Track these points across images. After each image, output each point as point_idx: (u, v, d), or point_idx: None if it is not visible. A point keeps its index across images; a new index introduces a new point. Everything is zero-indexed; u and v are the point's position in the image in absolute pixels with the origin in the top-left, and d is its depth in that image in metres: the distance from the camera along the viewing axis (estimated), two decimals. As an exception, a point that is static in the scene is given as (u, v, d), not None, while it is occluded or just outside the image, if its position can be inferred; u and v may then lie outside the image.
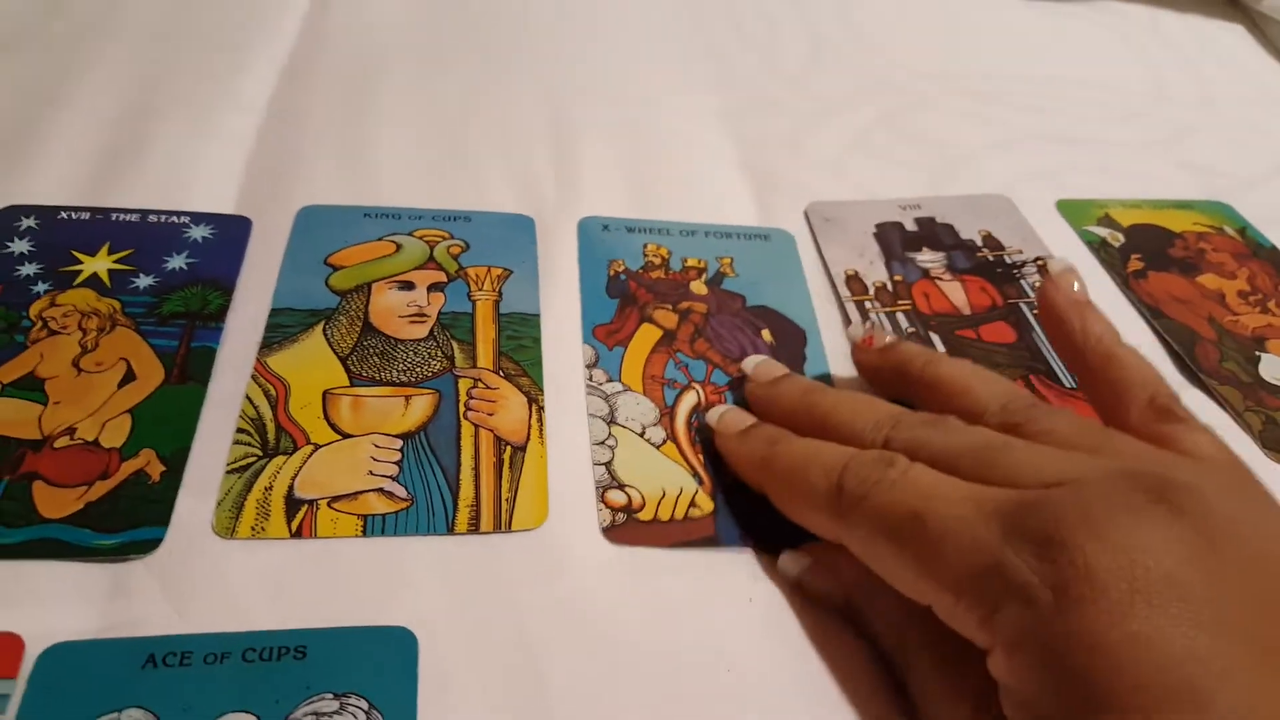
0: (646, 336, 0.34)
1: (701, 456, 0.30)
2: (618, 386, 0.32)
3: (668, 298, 0.35)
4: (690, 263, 0.37)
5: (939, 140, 0.46)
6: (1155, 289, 0.39)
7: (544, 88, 0.46)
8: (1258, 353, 0.36)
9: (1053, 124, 0.49)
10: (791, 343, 0.35)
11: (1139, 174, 0.46)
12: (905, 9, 0.58)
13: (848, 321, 0.36)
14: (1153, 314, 0.38)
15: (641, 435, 0.30)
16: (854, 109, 0.48)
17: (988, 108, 0.49)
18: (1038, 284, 0.37)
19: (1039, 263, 0.39)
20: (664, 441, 0.30)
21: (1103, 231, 0.42)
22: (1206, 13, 0.62)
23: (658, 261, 0.37)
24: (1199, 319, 0.38)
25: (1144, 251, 0.41)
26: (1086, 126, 0.49)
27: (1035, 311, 0.36)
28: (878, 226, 0.40)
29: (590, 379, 0.32)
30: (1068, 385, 0.33)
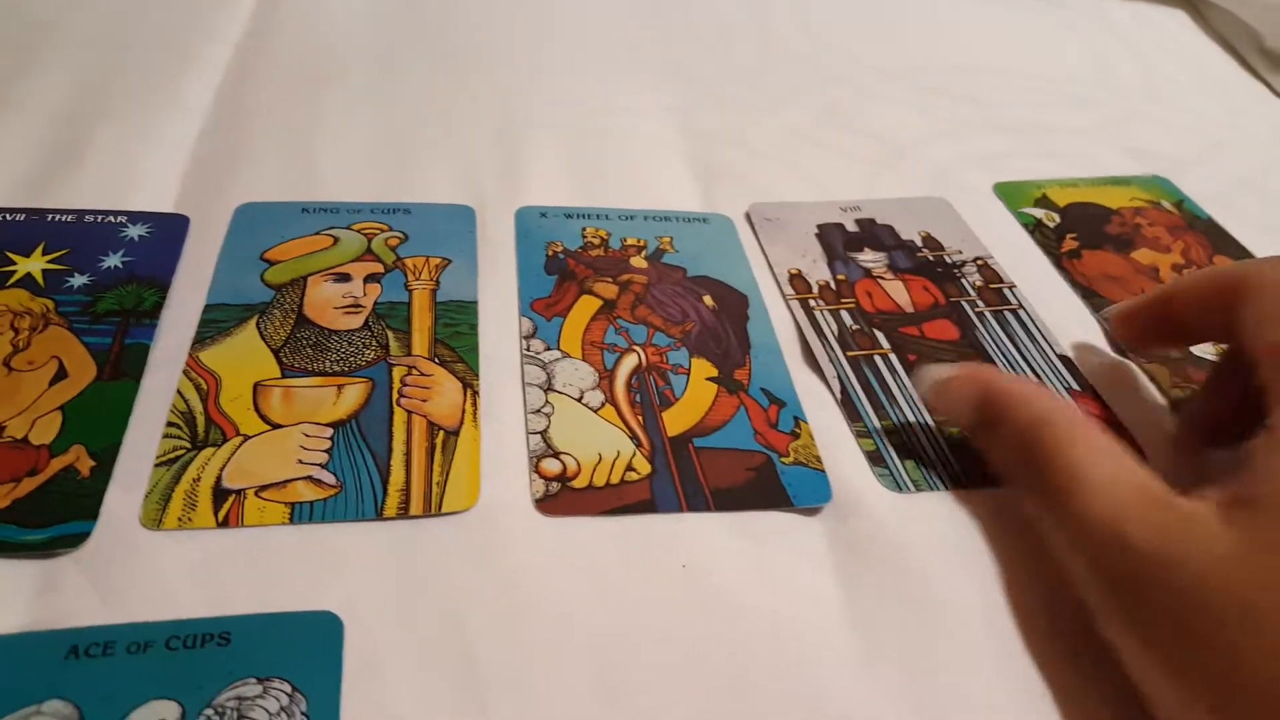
0: (586, 306, 0.34)
1: (640, 418, 0.30)
2: (556, 354, 0.32)
3: (607, 272, 0.36)
4: (630, 241, 0.37)
5: (880, 132, 0.47)
6: (1089, 268, 0.39)
7: (493, 83, 0.47)
8: None
9: (995, 112, 0.50)
10: (734, 307, 0.35)
11: (1080, 158, 0.47)
12: (855, 5, 0.59)
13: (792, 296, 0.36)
14: (1085, 294, 0.38)
15: (579, 400, 0.30)
16: (799, 102, 0.48)
17: (931, 99, 0.50)
18: (978, 283, 0.38)
19: (978, 262, 0.39)
20: (602, 404, 0.30)
21: (1039, 213, 0.42)
22: (1150, -2, 0.64)
23: (596, 242, 0.37)
24: (1132, 296, 0.38)
25: (1080, 230, 0.42)
26: (1028, 113, 0.50)
27: (976, 310, 0.37)
28: (819, 227, 0.40)
29: (528, 349, 0.32)
30: None
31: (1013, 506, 0.28)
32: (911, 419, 0.32)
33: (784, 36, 0.54)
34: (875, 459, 0.30)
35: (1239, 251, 0.41)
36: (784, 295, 0.36)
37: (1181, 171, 0.46)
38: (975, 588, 0.27)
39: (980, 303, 0.37)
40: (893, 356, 0.34)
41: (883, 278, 0.38)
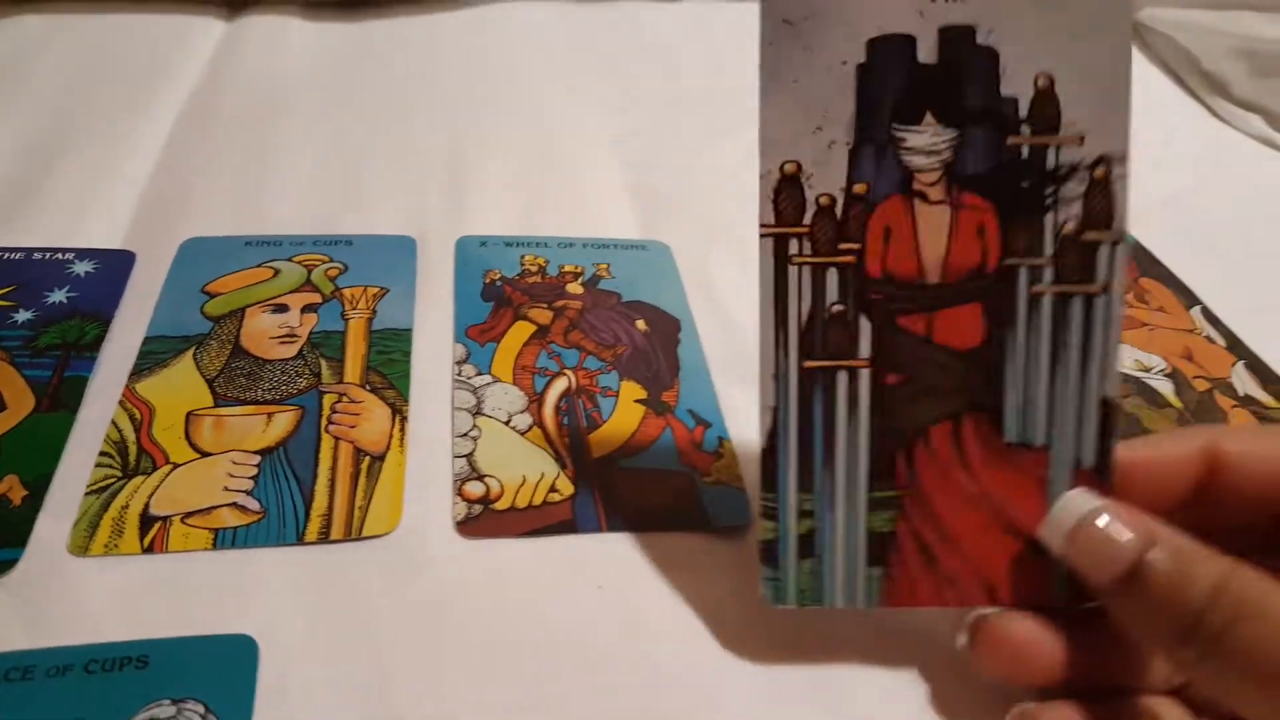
0: (520, 332, 0.35)
1: (567, 440, 0.31)
2: (487, 379, 0.33)
3: (543, 298, 0.37)
4: (567, 269, 0.38)
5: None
6: None
7: (438, 119, 0.48)
8: None
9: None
10: (666, 330, 0.36)
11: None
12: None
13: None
14: None
15: (507, 423, 0.31)
16: (740, 133, 0.49)
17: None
18: (1072, 225, 0.23)
19: (1099, 165, 0.22)
20: (530, 428, 0.31)
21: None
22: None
23: (534, 269, 0.38)
24: None
25: None
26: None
27: (1035, 286, 0.24)
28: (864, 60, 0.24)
29: (459, 374, 0.33)
30: (1009, 439, 0.24)
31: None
32: (841, 497, 0.23)
33: (728, 66, 0.56)
34: (767, 554, 0.24)
35: (1163, 272, 0.42)
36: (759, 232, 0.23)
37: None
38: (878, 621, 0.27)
39: (1050, 272, 0.22)
40: (865, 375, 0.23)
41: (927, 193, 0.22)
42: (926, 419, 0.23)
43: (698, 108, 0.51)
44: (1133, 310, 0.39)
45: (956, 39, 0.21)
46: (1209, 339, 0.38)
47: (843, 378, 0.23)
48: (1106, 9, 0.21)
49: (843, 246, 0.22)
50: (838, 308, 0.23)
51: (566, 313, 0.36)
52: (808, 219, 0.22)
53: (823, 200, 0.22)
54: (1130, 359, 0.37)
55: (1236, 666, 0.19)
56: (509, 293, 0.37)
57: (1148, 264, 0.42)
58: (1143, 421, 0.34)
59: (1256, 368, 0.37)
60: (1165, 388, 0.36)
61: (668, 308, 0.37)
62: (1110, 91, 0.21)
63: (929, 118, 0.22)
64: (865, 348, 0.23)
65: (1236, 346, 0.38)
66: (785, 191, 0.22)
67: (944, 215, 0.22)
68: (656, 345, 0.35)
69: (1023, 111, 0.22)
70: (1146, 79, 0.60)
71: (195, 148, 0.44)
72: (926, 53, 0.22)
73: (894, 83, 0.22)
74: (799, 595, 0.24)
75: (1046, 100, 0.22)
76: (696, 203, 0.44)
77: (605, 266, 0.39)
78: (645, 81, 0.54)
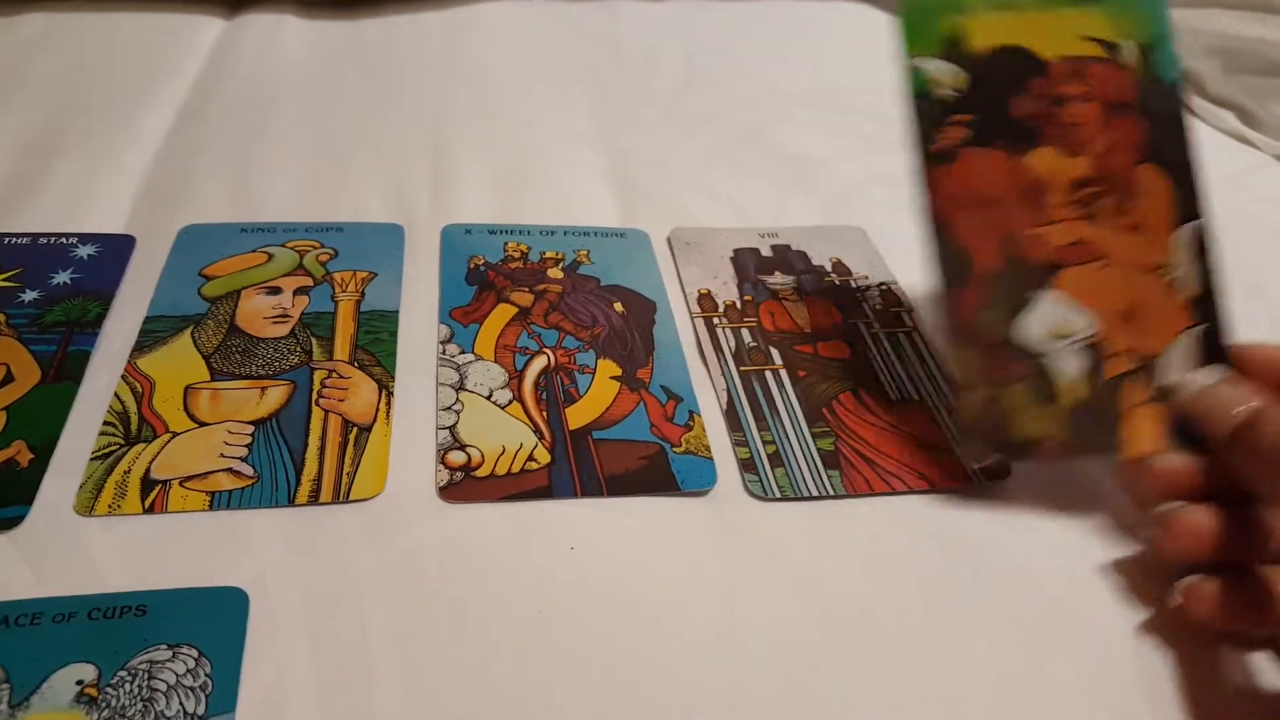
0: (502, 313, 0.37)
1: (545, 413, 0.33)
2: (470, 357, 0.35)
3: (524, 282, 0.39)
4: (548, 254, 0.40)
5: (794, 152, 0.50)
6: (955, 184, 0.30)
7: (427, 112, 0.50)
8: (1035, 292, 0.30)
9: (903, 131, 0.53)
10: (642, 312, 0.38)
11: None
12: (776, 32, 0.62)
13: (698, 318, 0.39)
14: (935, 232, 0.30)
15: (488, 398, 0.33)
16: (718, 125, 0.51)
17: (842, 120, 0.53)
18: (878, 306, 0.39)
19: (882, 287, 0.41)
20: (510, 402, 0.33)
21: (941, 70, 0.30)
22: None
23: (517, 255, 0.40)
24: (988, 240, 0.30)
25: (980, 108, 0.30)
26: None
27: (871, 331, 0.38)
28: (735, 251, 0.42)
29: (443, 353, 0.35)
30: (892, 398, 0.35)
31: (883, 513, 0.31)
32: (790, 432, 0.33)
33: (704, 63, 0.58)
34: (748, 466, 0.32)
35: (1178, 158, 0.30)
36: (690, 313, 0.39)
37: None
38: (835, 574, 0.29)
39: (876, 324, 0.39)
40: (783, 373, 0.36)
41: (788, 299, 0.40)
42: (834, 391, 0.36)
43: (674, 103, 0.53)
44: (1095, 232, 0.30)
45: (783, 248, 0.43)
46: (1172, 283, 0.30)
47: (769, 374, 0.36)
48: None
49: (746, 320, 0.39)
50: (752, 344, 0.37)
51: (547, 295, 0.38)
52: (721, 309, 0.39)
53: (727, 303, 0.39)
54: (1052, 319, 0.30)
55: None
56: (492, 277, 0.39)
57: (1164, 136, 0.30)
58: (1010, 429, 0.29)
59: (1210, 340, 0.30)
60: (1072, 366, 0.30)
61: (645, 291, 0.39)
62: (876, 261, 0.43)
63: (778, 272, 0.41)
64: (778, 359, 0.37)
65: (1203, 302, 0.30)
66: (703, 299, 0.40)
67: (802, 305, 0.40)
68: (633, 326, 0.37)
69: (829, 269, 0.42)
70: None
71: (194, 139, 0.46)
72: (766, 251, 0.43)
73: (752, 260, 0.42)
74: (780, 490, 0.31)
75: (839, 265, 0.42)
76: (671, 193, 0.46)
77: (585, 253, 0.41)
78: (625, 78, 0.55)
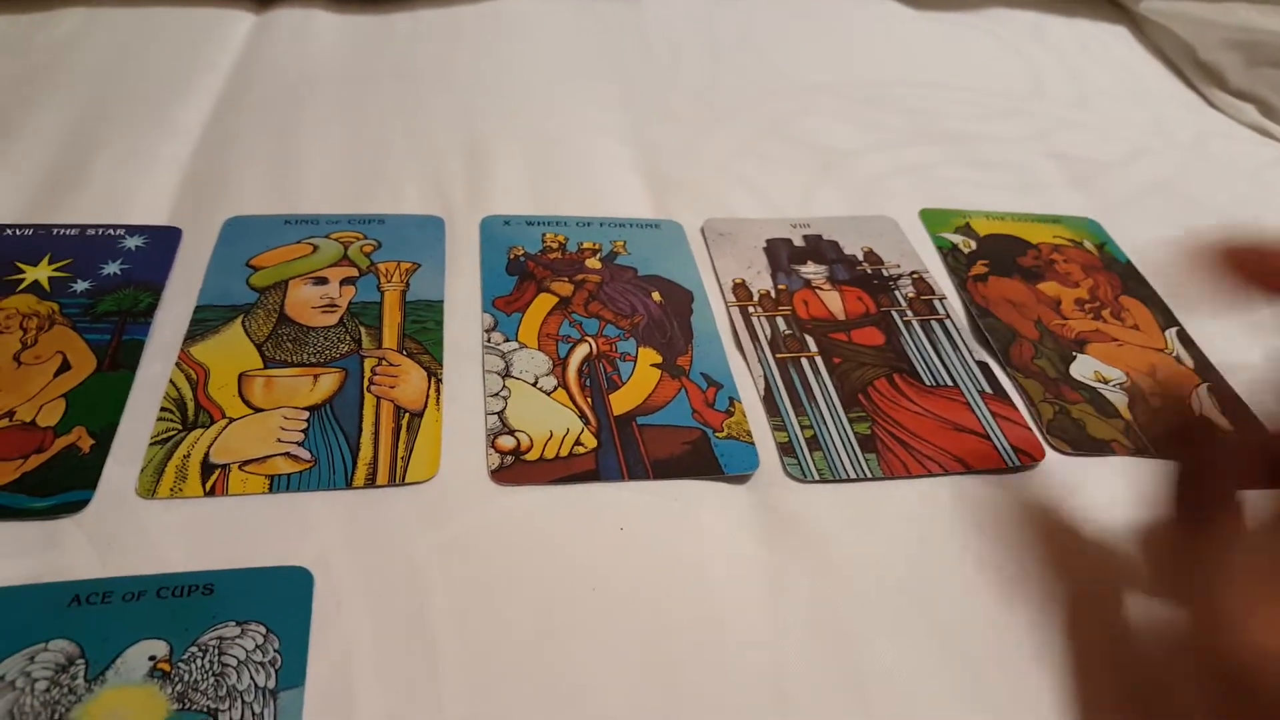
0: (543, 303, 0.38)
1: (589, 399, 0.33)
2: (514, 345, 0.35)
3: (564, 272, 0.39)
4: (586, 245, 0.41)
5: (821, 144, 0.50)
6: (991, 292, 0.41)
7: (460, 105, 0.50)
8: (1075, 353, 0.38)
9: (929, 124, 0.53)
10: (680, 302, 0.39)
11: (1007, 164, 0.50)
12: (802, 24, 0.62)
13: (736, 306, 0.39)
14: (980, 313, 0.40)
15: (534, 385, 0.34)
16: (746, 117, 0.52)
17: (869, 111, 0.53)
18: (910, 294, 0.41)
19: (914, 275, 0.42)
20: (555, 389, 0.34)
21: (956, 238, 0.44)
22: (1091, 16, 0.67)
23: (555, 246, 0.41)
24: (1026, 321, 0.40)
25: (992, 258, 0.43)
26: (962, 124, 0.53)
27: (904, 319, 0.39)
28: (768, 242, 0.43)
29: (488, 341, 0.35)
30: (927, 384, 0.36)
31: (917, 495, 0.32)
32: (827, 417, 0.34)
33: (730, 55, 0.58)
34: (787, 450, 0.33)
35: (1147, 294, 0.42)
36: (725, 302, 0.39)
37: (1099, 173, 0.50)
38: (874, 555, 0.30)
39: (910, 312, 0.40)
40: (819, 359, 0.37)
41: (821, 288, 0.41)
42: (869, 377, 0.37)
43: (702, 95, 0.54)
44: (1106, 326, 0.40)
45: (815, 238, 0.44)
46: (1178, 359, 0.39)
47: (805, 361, 0.37)
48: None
49: (780, 308, 0.39)
50: (788, 332, 0.38)
51: (586, 285, 0.39)
52: (755, 298, 0.40)
53: (761, 291, 0.40)
54: (1090, 370, 0.37)
55: None
56: (532, 267, 0.39)
57: (1134, 284, 0.43)
58: (1086, 427, 0.35)
59: (1220, 392, 0.37)
60: (1119, 399, 0.36)
61: (682, 281, 0.40)
62: (906, 249, 0.44)
63: (810, 262, 0.42)
64: (813, 347, 0.38)
65: (1206, 370, 0.38)
66: (738, 289, 0.40)
67: (835, 294, 0.41)
68: (671, 315, 0.38)
69: (861, 258, 0.43)
70: (1142, 70, 0.62)
71: (231, 131, 0.47)
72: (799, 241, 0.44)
73: (784, 250, 0.43)
74: (819, 473, 0.32)
75: (871, 254, 0.43)
76: (702, 183, 0.46)
77: (622, 243, 0.41)
78: (653, 70, 0.56)
